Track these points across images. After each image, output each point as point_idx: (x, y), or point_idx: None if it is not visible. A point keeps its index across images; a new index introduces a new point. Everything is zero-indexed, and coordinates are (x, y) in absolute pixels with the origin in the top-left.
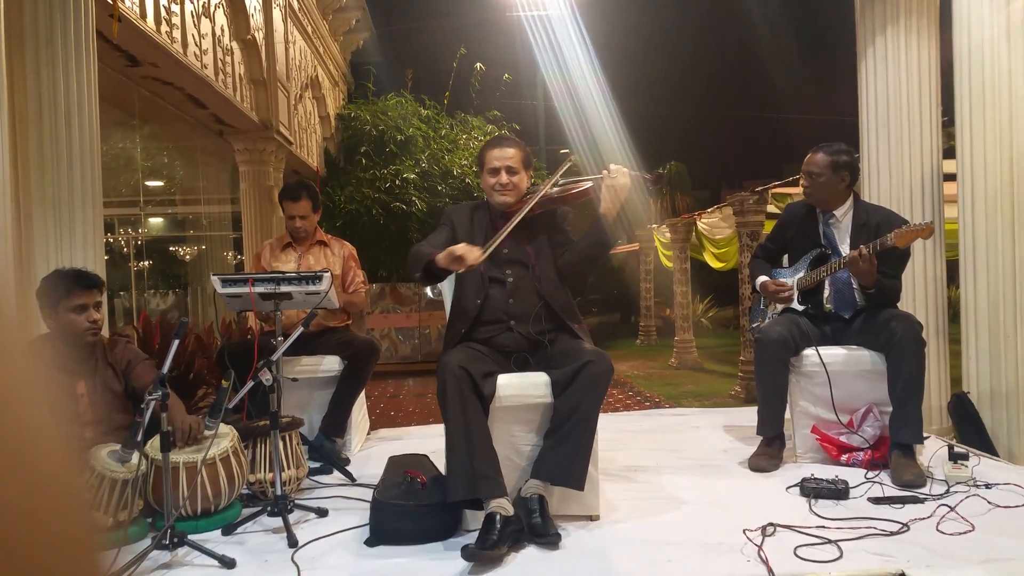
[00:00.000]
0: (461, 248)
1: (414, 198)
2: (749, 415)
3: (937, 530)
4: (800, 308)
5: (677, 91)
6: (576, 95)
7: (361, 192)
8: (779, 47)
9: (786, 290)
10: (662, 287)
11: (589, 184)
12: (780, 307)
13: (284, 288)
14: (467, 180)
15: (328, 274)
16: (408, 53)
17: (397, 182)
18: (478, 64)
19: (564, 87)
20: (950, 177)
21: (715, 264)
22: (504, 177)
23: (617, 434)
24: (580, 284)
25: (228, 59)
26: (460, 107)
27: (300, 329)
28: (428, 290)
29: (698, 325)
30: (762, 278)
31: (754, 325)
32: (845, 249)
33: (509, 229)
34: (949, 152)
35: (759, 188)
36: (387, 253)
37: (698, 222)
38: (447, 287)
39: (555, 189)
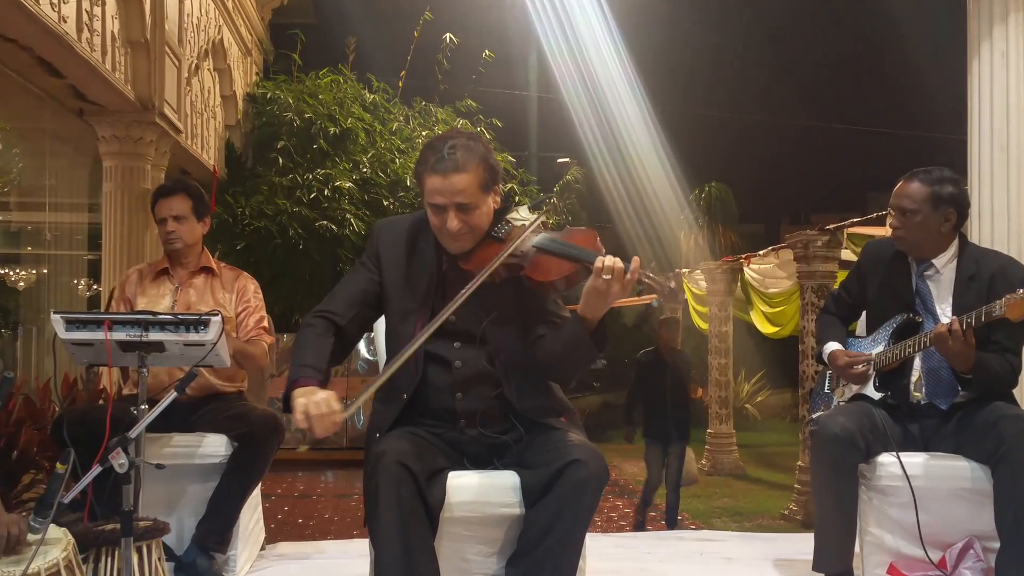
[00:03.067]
0: (311, 414)
1: (349, 215)
2: (806, 544)
3: None
4: (877, 396)
5: (728, 90)
6: (589, 86)
7: (274, 203)
8: (866, 42)
9: (861, 362)
10: (693, 355)
11: (577, 267)
12: (850, 392)
13: (154, 336)
14: None
15: (218, 318)
16: (351, 15)
17: (326, 192)
18: (448, 35)
19: (572, 73)
20: None
21: (767, 328)
22: (453, 222)
23: (617, 563)
24: (563, 384)
25: (97, 11)
26: (420, 92)
27: (173, 395)
28: (363, 347)
29: (741, 413)
30: (832, 345)
31: (815, 415)
32: (945, 313)
33: (454, 307)
34: None
35: (831, 226)
36: (306, 290)
37: (746, 268)
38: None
39: (536, 239)
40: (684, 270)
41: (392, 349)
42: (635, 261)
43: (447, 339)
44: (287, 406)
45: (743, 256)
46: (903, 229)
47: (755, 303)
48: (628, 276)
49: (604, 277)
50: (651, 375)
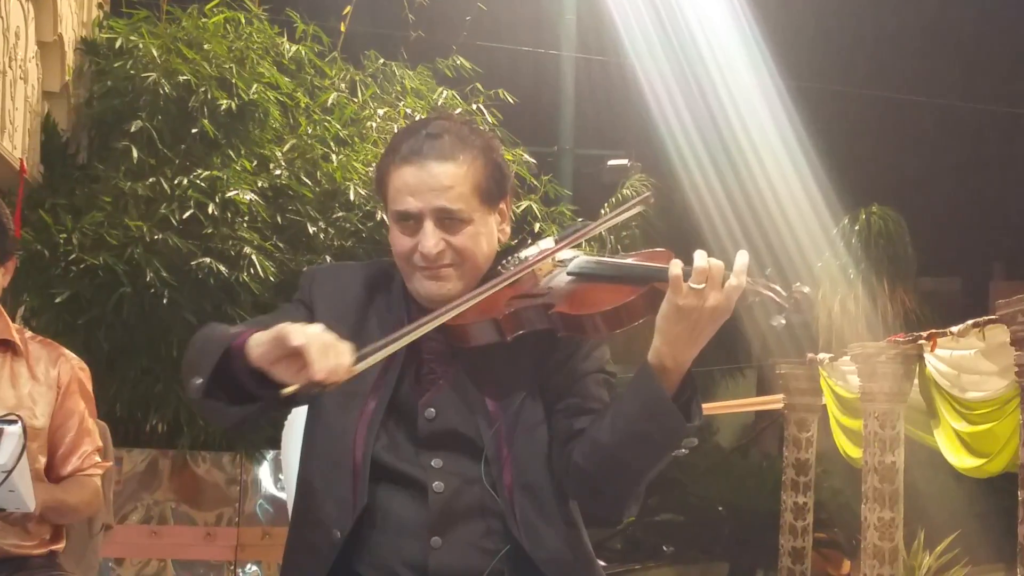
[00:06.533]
0: (311, 334)
1: (249, 249)
2: None
3: None
4: None
5: (906, 60)
6: (674, 42)
7: (123, 226)
8: None
9: None
10: (834, 503)
11: (643, 289)
12: None
13: None
14: (380, 215)
15: (16, 428)
16: None
17: (212, 208)
18: None
19: (643, 19)
20: None
21: (963, 460)
22: (430, 239)
23: None
24: (612, 511)
25: None
26: (377, 44)
27: None
28: (269, 481)
29: None
30: None
31: None
32: None
33: (421, 328)
34: None
35: None
36: (170, 375)
37: (928, 355)
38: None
39: (571, 265)
40: (821, 356)
41: (314, 452)
42: (743, 256)
43: (425, 447)
44: (218, 383)
45: (924, 335)
46: None
47: (943, 416)
48: (733, 279)
49: (693, 285)
50: None
